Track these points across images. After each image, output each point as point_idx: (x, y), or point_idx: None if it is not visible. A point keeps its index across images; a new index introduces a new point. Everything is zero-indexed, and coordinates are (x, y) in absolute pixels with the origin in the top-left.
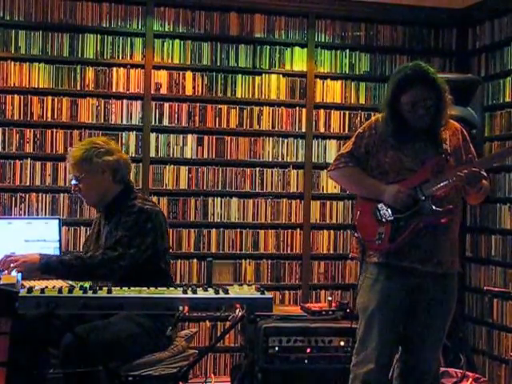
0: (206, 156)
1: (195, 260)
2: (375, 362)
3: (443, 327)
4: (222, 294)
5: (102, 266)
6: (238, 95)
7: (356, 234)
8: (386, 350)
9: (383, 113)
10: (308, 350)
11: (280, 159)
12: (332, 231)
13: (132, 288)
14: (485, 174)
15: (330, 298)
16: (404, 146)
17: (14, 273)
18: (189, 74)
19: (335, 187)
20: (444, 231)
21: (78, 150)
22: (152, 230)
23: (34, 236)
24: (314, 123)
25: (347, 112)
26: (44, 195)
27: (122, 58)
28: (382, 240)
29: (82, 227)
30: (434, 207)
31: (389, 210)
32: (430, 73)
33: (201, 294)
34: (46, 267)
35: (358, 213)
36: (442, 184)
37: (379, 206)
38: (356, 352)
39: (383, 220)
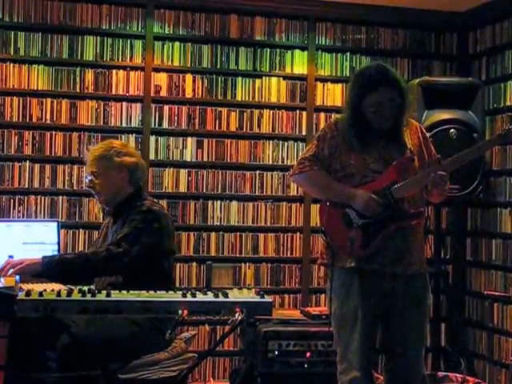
0: (205, 159)
1: (194, 263)
2: (359, 369)
3: (422, 328)
4: (221, 298)
5: (105, 262)
6: (238, 98)
7: (325, 239)
8: (366, 355)
9: (346, 114)
10: (307, 354)
11: (280, 162)
12: None
13: (131, 291)
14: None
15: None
16: (367, 148)
17: (10, 272)
18: (189, 77)
19: None
20: (412, 233)
21: (98, 148)
22: (159, 230)
23: (32, 239)
24: (314, 126)
25: None
26: (43, 198)
27: (122, 60)
28: (354, 246)
29: (80, 230)
30: (405, 210)
31: (358, 214)
32: (394, 74)
33: (200, 297)
34: (48, 267)
35: (326, 217)
36: (410, 185)
37: (347, 210)
38: (339, 360)
39: (353, 225)
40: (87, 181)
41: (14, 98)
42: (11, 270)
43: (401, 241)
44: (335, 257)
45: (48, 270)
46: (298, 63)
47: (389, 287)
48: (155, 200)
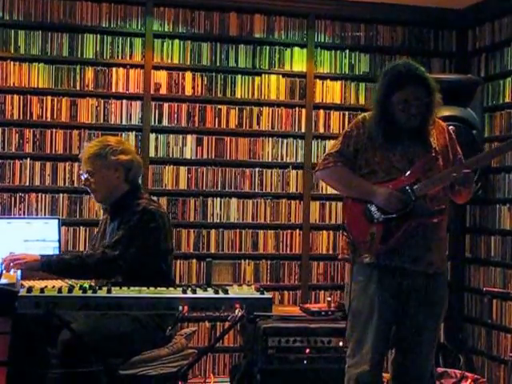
0: (205, 156)
1: (194, 260)
2: (369, 364)
3: (435, 328)
4: (221, 294)
5: (101, 265)
6: (238, 95)
7: (346, 235)
8: (380, 351)
9: (373, 111)
10: (307, 351)
11: (279, 160)
12: (331, 232)
13: (132, 288)
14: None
15: (329, 299)
16: (393, 146)
17: (12, 270)
18: (188, 75)
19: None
20: (434, 231)
21: (93, 146)
22: (155, 230)
23: (33, 236)
24: (313, 123)
25: (347, 112)
26: (43, 195)
27: (122, 58)
28: (374, 241)
29: (81, 227)
30: (426, 207)
31: (379, 210)
32: (423, 72)
33: (200, 293)
34: (47, 266)
35: (348, 213)
36: (432, 183)
37: (369, 206)
38: (350, 354)
39: (374, 220)
40: (83, 179)
41: (15, 95)
42: (12, 271)
43: (422, 238)
44: (356, 252)
45: (46, 269)
46: (298, 61)
47: (408, 284)
48: (152, 197)
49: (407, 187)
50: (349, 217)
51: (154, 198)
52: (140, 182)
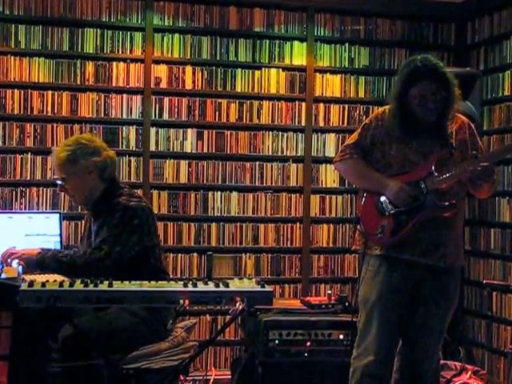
0: (205, 150)
1: (195, 254)
2: (375, 355)
3: (444, 322)
4: (222, 288)
5: (88, 266)
6: (238, 89)
7: (358, 227)
8: (385, 342)
9: (391, 105)
10: (308, 344)
11: (280, 153)
12: (331, 225)
13: (133, 282)
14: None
15: (329, 292)
16: (410, 140)
17: (14, 264)
18: (188, 69)
19: (334, 181)
20: (447, 225)
21: (62, 150)
22: (138, 226)
23: (34, 230)
24: (313, 117)
25: (346, 106)
26: (45, 190)
27: (122, 52)
28: (384, 233)
29: (82, 221)
30: (437, 201)
31: (391, 203)
32: (440, 66)
33: (201, 287)
34: (41, 262)
35: (361, 205)
36: (445, 177)
37: (382, 198)
38: (357, 344)
39: (386, 213)
40: (58, 186)
41: (15, 90)
42: (14, 263)
43: (433, 232)
44: (367, 244)
45: (41, 266)
46: (297, 54)
47: (419, 278)
48: (132, 191)
49: (420, 181)
50: (362, 209)
51: (135, 192)
52: (141, 176)
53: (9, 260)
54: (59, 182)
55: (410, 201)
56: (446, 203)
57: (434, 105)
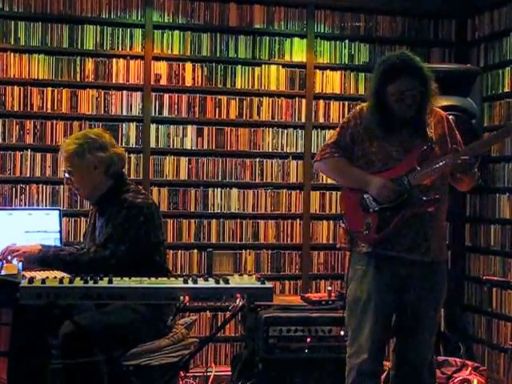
0: (205, 147)
1: (195, 250)
2: (368, 352)
3: (434, 315)
4: (222, 284)
5: (92, 265)
6: (238, 86)
7: (343, 224)
8: (378, 339)
9: (368, 102)
10: (308, 340)
11: (280, 150)
12: (331, 221)
13: (133, 278)
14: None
15: (329, 288)
16: (389, 136)
17: (14, 262)
18: (188, 65)
19: None
20: (431, 220)
21: (71, 143)
22: (144, 223)
23: (34, 227)
24: (313, 114)
25: (346, 102)
26: (44, 186)
27: (122, 49)
28: (369, 230)
29: (82, 218)
30: (421, 196)
31: (375, 200)
32: (417, 62)
33: (201, 283)
34: (42, 260)
35: (345, 203)
36: (427, 172)
37: (365, 195)
38: (350, 343)
39: (370, 210)
40: (65, 178)
41: (15, 87)
42: (15, 260)
43: (418, 228)
44: (353, 241)
45: (42, 264)
46: (297, 51)
47: (406, 273)
48: (139, 188)
49: (403, 177)
50: (346, 206)
51: (141, 188)
52: (141, 173)
53: (9, 257)
54: (66, 175)
55: (393, 197)
56: (430, 198)
57: (412, 101)
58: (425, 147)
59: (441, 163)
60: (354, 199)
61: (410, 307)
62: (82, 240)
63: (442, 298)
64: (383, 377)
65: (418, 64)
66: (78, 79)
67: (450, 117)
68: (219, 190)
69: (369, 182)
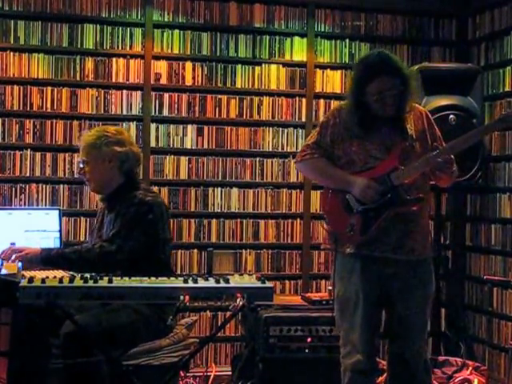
0: (206, 146)
1: (195, 250)
2: (362, 352)
3: (424, 313)
4: (222, 284)
5: (99, 260)
6: (238, 85)
7: (326, 226)
8: (369, 338)
9: (347, 101)
10: (308, 340)
11: (280, 149)
12: None
13: (133, 278)
14: (453, 158)
15: (330, 288)
16: (369, 135)
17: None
18: (188, 65)
19: None
20: (414, 218)
21: (90, 135)
22: (153, 221)
23: (34, 226)
24: (313, 113)
25: None
26: (44, 186)
27: (122, 48)
28: (354, 231)
29: (82, 218)
30: (404, 196)
31: (358, 200)
32: (396, 61)
33: (201, 283)
34: (46, 260)
35: (327, 204)
36: (409, 170)
37: (347, 196)
38: (342, 343)
39: (353, 211)
40: (79, 167)
41: (15, 86)
42: (14, 256)
43: (402, 227)
44: (337, 242)
45: (46, 263)
46: (298, 50)
47: (391, 272)
48: (149, 187)
49: (385, 176)
50: (329, 207)
51: (152, 188)
52: (140, 172)
53: (12, 257)
54: (80, 165)
55: (377, 198)
56: (414, 197)
57: (391, 100)
58: (405, 144)
59: (421, 161)
60: (335, 200)
61: (398, 306)
62: (81, 240)
63: (429, 295)
64: (383, 377)
65: (396, 63)
66: (78, 78)
67: (451, 116)
68: (219, 189)
69: (351, 183)
